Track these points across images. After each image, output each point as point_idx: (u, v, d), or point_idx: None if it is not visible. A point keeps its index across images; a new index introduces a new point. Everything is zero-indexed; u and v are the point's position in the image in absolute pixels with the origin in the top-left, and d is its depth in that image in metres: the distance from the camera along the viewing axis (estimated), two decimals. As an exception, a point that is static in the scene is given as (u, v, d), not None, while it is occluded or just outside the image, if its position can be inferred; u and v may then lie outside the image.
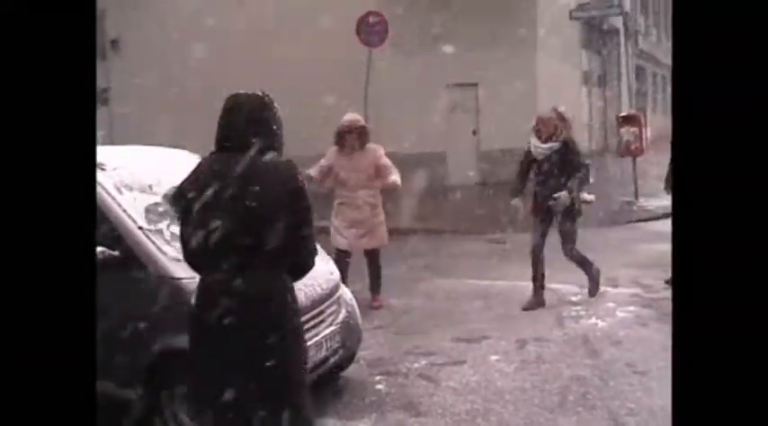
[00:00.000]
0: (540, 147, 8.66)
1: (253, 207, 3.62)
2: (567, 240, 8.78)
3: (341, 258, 8.34)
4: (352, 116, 8.93)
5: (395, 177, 8.59)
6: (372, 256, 8.92)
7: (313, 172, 8.49)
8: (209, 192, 3.65)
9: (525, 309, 8.59)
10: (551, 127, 8.66)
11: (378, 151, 8.74)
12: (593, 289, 9.00)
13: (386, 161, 8.69)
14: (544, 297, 8.83)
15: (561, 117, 8.78)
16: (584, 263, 8.99)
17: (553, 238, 8.81)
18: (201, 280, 3.76)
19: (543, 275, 8.84)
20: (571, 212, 8.67)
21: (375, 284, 8.97)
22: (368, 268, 8.98)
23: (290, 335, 3.79)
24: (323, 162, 8.78)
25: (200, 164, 3.90)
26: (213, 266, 3.68)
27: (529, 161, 8.87)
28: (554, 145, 8.61)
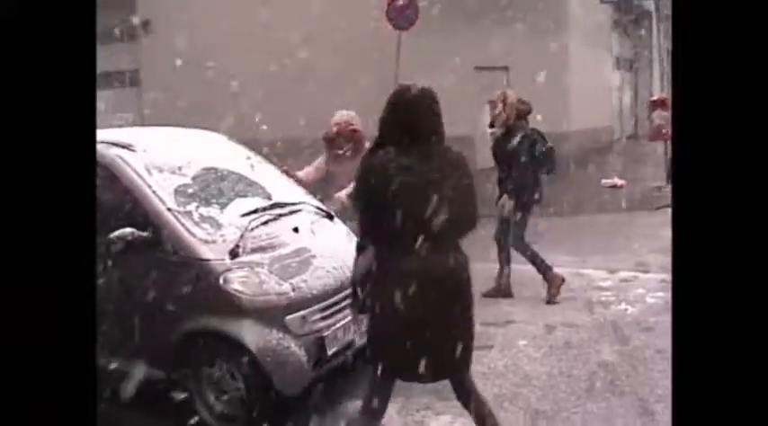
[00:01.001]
0: (488, 133, 8.48)
1: (445, 194, 3.99)
2: (515, 230, 8.34)
3: None
4: (343, 115, 7.47)
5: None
6: None
7: (302, 174, 7.39)
8: (403, 182, 3.95)
9: (485, 295, 8.00)
10: (494, 112, 8.32)
11: None
12: (550, 294, 8.33)
13: None
14: (510, 288, 8.49)
15: (503, 101, 8.26)
16: (533, 257, 8.47)
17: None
18: (396, 263, 4.01)
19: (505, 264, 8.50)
20: (524, 203, 8.25)
21: None
22: None
23: (471, 307, 4.26)
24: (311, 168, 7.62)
25: (376, 158, 4.07)
26: (409, 250, 3.96)
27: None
28: (496, 131, 8.34)
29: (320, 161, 7.58)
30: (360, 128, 7.30)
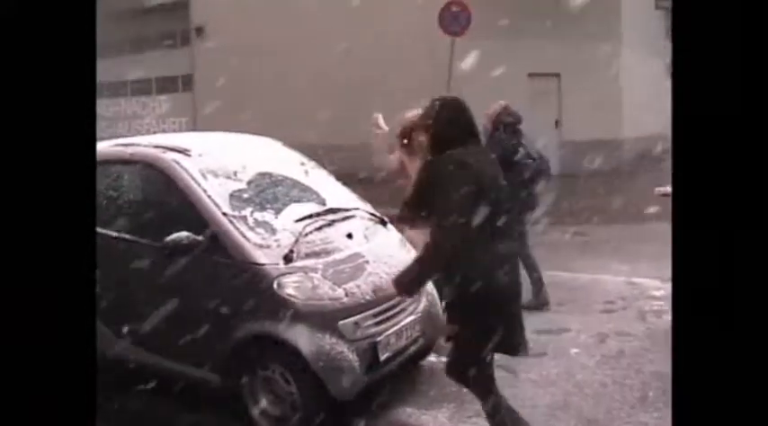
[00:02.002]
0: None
1: (503, 188, 4.52)
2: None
3: None
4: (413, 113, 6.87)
5: None
6: None
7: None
8: (487, 175, 4.39)
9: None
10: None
11: None
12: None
13: None
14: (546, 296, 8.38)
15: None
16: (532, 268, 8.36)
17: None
18: (488, 247, 4.35)
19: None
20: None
21: None
22: None
23: None
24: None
25: (451, 157, 4.34)
26: (498, 234, 4.38)
27: None
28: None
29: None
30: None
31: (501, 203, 4.39)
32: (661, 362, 6.44)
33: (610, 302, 8.47)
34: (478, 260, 4.31)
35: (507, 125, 8.53)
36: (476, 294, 4.28)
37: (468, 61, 16.25)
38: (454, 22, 15.64)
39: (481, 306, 4.34)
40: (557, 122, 20.38)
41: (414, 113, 6.84)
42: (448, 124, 4.55)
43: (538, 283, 8.37)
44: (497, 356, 6.55)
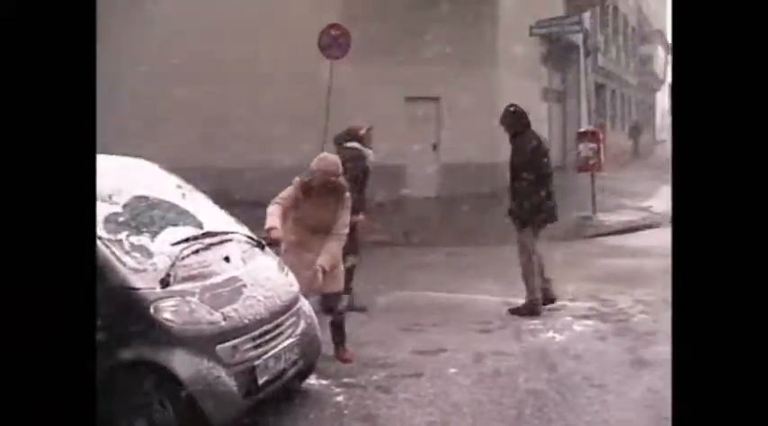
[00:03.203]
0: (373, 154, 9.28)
1: None
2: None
3: None
4: (327, 162, 7.04)
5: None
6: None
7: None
8: None
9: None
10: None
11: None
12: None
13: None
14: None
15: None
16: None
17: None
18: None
19: None
20: None
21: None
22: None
23: None
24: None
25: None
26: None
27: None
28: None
29: (285, 197, 6.93)
30: (340, 173, 7.01)
31: None
32: (536, 380, 6.59)
33: (486, 322, 8.61)
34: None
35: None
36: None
37: (347, 84, 16.40)
38: (334, 45, 15.74)
39: None
40: (434, 145, 20.64)
41: (324, 162, 6.99)
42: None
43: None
44: (375, 377, 6.64)
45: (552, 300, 9.23)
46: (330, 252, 6.85)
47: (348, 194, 7.09)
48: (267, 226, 6.55)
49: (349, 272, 8.69)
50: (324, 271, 6.70)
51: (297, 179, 6.97)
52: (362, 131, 9.38)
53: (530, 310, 8.97)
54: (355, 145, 9.23)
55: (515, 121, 9.32)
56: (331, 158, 7.12)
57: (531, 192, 8.99)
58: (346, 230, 7.08)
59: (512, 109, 9.43)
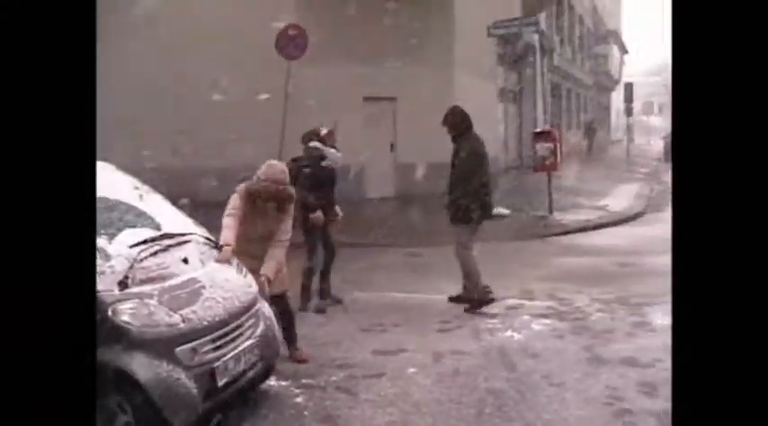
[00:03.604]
0: (337, 156, 9.54)
1: None
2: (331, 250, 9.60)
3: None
4: (274, 168, 6.95)
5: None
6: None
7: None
8: None
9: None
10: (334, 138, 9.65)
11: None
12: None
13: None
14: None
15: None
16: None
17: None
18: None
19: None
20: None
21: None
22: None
23: None
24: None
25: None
26: None
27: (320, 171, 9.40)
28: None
29: (236, 207, 6.79)
30: (287, 182, 6.93)
31: None
32: (495, 379, 6.62)
33: (445, 322, 8.63)
34: None
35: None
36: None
37: (305, 84, 16.37)
38: (291, 45, 15.70)
39: None
40: (392, 145, 20.67)
41: (272, 169, 6.91)
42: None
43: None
44: (335, 378, 6.64)
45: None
46: (274, 259, 6.82)
47: (292, 204, 7.02)
48: (222, 241, 6.45)
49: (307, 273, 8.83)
50: (269, 280, 6.66)
51: (242, 186, 6.89)
52: (324, 131, 9.57)
53: (481, 302, 9.17)
54: (317, 144, 9.39)
55: (458, 122, 9.57)
56: (278, 166, 7.01)
57: (472, 191, 9.22)
58: (289, 236, 7.01)
59: (454, 110, 9.73)
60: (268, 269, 6.71)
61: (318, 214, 9.15)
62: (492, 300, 9.17)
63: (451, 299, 9.48)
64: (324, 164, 9.37)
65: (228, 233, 6.54)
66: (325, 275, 9.56)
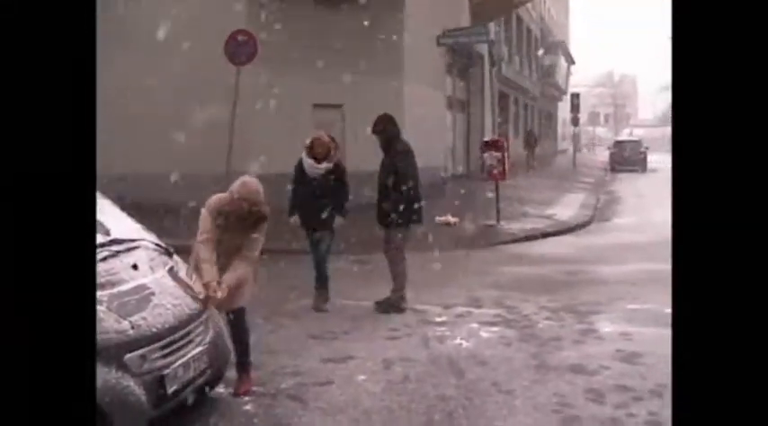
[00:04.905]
0: (316, 167, 9.67)
1: None
2: (325, 251, 10.00)
3: None
4: (250, 187, 6.45)
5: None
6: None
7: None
8: None
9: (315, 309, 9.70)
10: (326, 148, 9.74)
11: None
12: (318, 303, 9.85)
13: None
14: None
15: (333, 140, 9.95)
16: (322, 277, 10.01)
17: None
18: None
19: (327, 278, 9.97)
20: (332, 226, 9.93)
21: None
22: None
23: None
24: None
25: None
26: None
27: (302, 179, 9.87)
28: (328, 165, 9.73)
29: (207, 230, 6.43)
30: (262, 201, 6.42)
31: None
32: (444, 386, 6.64)
33: (394, 329, 8.65)
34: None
35: None
36: None
37: (255, 91, 16.31)
38: (240, 51, 15.64)
39: None
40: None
41: (247, 188, 6.38)
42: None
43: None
44: (284, 385, 6.61)
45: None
46: (236, 272, 6.41)
47: (266, 224, 6.56)
48: (206, 279, 6.18)
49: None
50: (217, 286, 6.19)
51: (211, 202, 6.48)
52: (307, 141, 9.86)
53: (397, 305, 9.55)
54: (302, 156, 9.87)
55: (388, 130, 9.91)
56: (253, 185, 6.43)
57: (403, 197, 9.61)
58: (257, 253, 6.67)
59: (384, 118, 10.02)
60: (227, 278, 6.30)
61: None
62: (403, 310, 9.52)
63: (378, 304, 9.70)
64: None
65: (209, 269, 6.24)
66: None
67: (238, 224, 6.37)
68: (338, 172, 9.94)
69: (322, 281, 9.95)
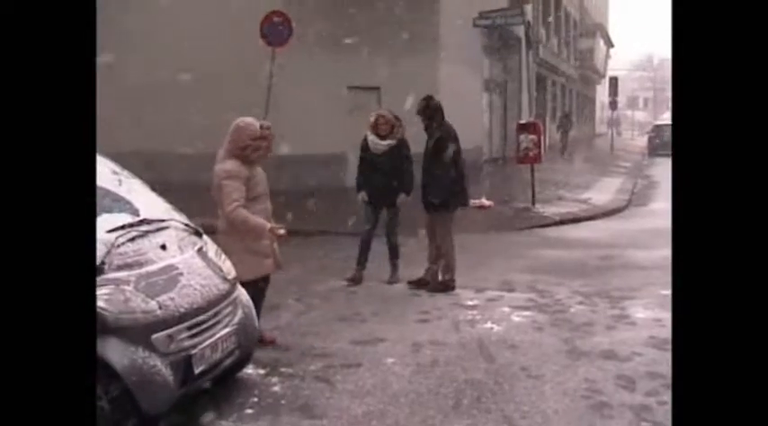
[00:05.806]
0: (379, 144, 9.89)
1: None
2: (393, 226, 10.30)
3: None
4: (248, 123, 7.09)
5: None
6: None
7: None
8: None
9: (348, 283, 9.98)
10: (389, 126, 9.97)
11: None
12: (393, 277, 10.19)
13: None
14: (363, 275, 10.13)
15: (397, 118, 10.11)
16: (393, 249, 10.34)
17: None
18: None
19: (367, 259, 10.20)
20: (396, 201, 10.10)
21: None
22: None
23: None
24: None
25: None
26: None
27: (367, 156, 10.12)
28: (391, 142, 9.95)
29: (241, 194, 6.85)
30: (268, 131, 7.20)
31: None
32: (474, 370, 6.61)
33: (424, 312, 8.62)
34: None
35: None
36: None
37: (289, 73, 16.29)
38: (275, 33, 15.60)
39: None
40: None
41: (254, 127, 7.02)
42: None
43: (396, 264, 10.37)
44: (313, 367, 6.61)
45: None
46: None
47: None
48: (263, 226, 6.81)
49: None
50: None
51: (229, 168, 6.87)
52: (371, 118, 10.19)
53: (447, 286, 9.67)
54: (366, 133, 10.17)
55: (432, 112, 9.86)
56: (247, 120, 7.11)
57: (448, 179, 9.65)
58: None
59: (429, 100, 9.95)
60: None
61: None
62: (453, 288, 9.64)
63: (411, 283, 9.85)
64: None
65: (261, 220, 6.85)
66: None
67: (253, 168, 7.01)
68: (402, 148, 10.04)
69: (393, 254, 10.34)
